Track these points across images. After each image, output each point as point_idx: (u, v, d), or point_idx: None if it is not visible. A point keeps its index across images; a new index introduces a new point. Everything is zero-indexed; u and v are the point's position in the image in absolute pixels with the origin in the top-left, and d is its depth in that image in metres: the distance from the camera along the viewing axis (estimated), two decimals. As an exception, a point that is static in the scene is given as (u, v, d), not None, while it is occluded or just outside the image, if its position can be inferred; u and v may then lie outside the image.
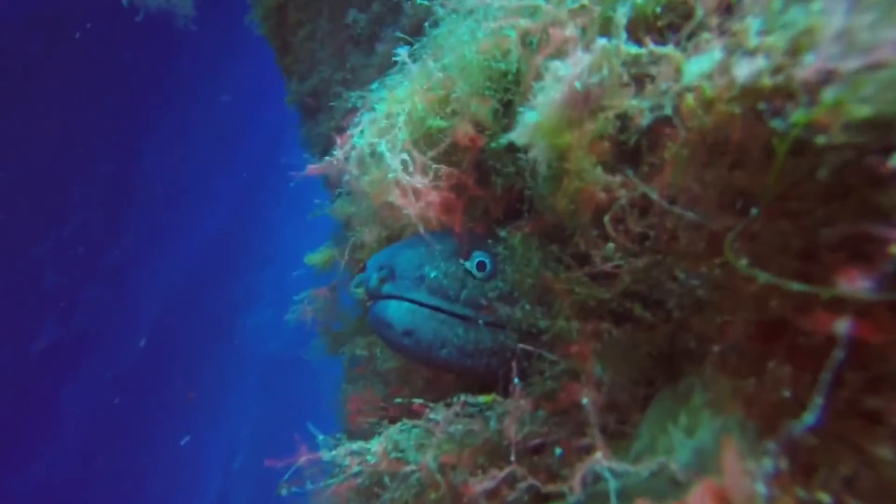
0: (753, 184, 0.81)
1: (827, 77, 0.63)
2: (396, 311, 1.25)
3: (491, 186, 1.62)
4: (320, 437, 1.68)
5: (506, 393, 1.15)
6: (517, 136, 1.02)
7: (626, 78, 0.89)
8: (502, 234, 1.35)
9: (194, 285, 18.46)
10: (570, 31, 1.04)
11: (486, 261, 1.24)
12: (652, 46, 0.84)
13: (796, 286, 0.64)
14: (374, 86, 1.84)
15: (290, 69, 3.93)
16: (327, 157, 1.71)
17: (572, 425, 1.02)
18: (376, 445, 1.21)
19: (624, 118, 0.93)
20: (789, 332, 0.76)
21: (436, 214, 1.54)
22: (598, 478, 0.86)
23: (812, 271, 0.72)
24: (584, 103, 0.91)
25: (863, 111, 0.60)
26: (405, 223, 1.68)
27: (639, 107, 0.85)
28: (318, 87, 3.58)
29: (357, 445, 1.27)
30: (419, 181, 1.52)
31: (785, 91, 0.68)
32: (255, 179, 20.68)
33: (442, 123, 1.59)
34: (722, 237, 0.82)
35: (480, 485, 0.98)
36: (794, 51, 0.68)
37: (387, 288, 1.29)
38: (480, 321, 1.19)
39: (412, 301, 1.25)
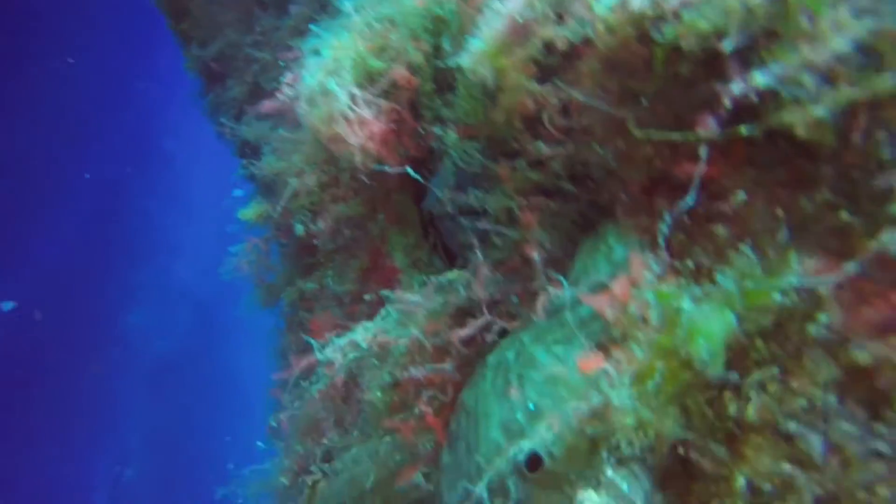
0: (640, 86, 1.19)
1: (685, 5, 1.01)
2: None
3: (423, 119, 1.92)
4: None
5: (462, 264, 1.47)
6: (465, 60, 1.33)
7: (549, 13, 1.23)
8: (436, 130, 1.63)
9: (58, 290, 16.81)
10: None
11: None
12: (568, -11, 1.18)
13: (675, 135, 1.02)
14: (313, 33, 2.06)
15: (189, 34, 3.90)
16: (280, 97, 1.92)
17: (523, 280, 1.38)
18: (363, 335, 1.49)
19: (547, 44, 1.27)
20: (667, 181, 1.16)
21: (375, 146, 1.82)
22: (551, 303, 1.22)
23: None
24: (521, 33, 1.24)
25: (705, 25, 0.98)
26: (348, 160, 1.93)
27: (561, 34, 1.20)
28: (225, 52, 3.62)
29: (344, 341, 1.53)
30: (365, 112, 1.79)
31: (660, 16, 1.05)
32: (125, 167, 19.01)
33: (382, 65, 1.86)
34: (622, 124, 1.20)
35: (463, 332, 1.31)
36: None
37: None
38: None
39: None
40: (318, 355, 1.59)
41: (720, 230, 1.00)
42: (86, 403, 17.23)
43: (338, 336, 1.61)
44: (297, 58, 1.95)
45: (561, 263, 1.37)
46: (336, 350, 1.54)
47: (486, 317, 1.31)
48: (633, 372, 0.88)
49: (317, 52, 1.96)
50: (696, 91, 1.09)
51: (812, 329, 0.79)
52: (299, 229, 2.44)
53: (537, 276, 1.28)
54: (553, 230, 1.36)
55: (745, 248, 0.88)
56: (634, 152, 1.17)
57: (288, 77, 1.91)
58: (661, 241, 0.99)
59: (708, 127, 0.97)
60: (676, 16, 1.03)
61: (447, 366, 1.38)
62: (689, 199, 0.94)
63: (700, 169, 0.95)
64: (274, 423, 1.81)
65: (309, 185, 2.41)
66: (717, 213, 1.02)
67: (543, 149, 1.33)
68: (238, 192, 3.39)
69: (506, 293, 1.37)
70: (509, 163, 1.39)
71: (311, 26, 1.97)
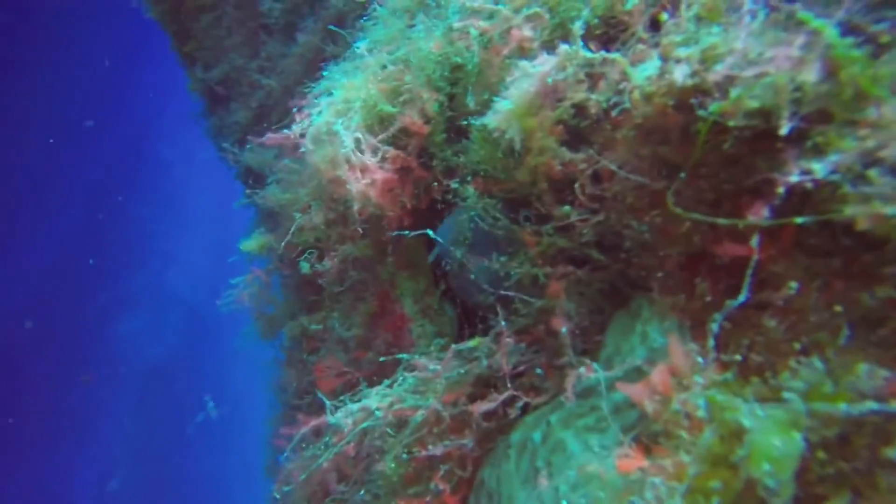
0: (675, 156, 1.13)
1: (730, 81, 0.94)
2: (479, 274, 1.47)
3: (432, 169, 1.86)
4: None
5: (482, 334, 1.40)
6: (492, 119, 1.26)
7: (581, 76, 1.17)
8: (454, 185, 1.56)
9: (48, 298, 16.63)
10: (528, 32, 1.31)
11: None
12: (603, 52, 1.12)
13: (722, 221, 0.96)
14: (326, 73, 2.00)
15: (193, 56, 3.84)
16: (284, 131, 1.86)
17: (547, 351, 1.31)
18: (377, 402, 1.40)
19: (578, 108, 1.21)
20: (706, 259, 1.09)
21: (375, 193, 1.75)
22: (580, 382, 1.14)
23: (719, 214, 1.05)
24: (552, 95, 1.18)
25: (754, 103, 0.92)
26: (349, 201, 1.87)
27: (596, 99, 1.14)
28: (230, 75, 3.55)
29: (357, 406, 1.45)
30: (368, 159, 1.73)
31: (703, 89, 0.99)
32: (118, 175, 18.89)
33: (392, 110, 1.80)
34: (658, 195, 1.13)
35: (484, 405, 1.23)
36: (705, 61, 0.99)
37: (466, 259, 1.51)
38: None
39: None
40: (329, 419, 1.51)
41: (770, 323, 0.93)
42: (71, 412, 17.00)
43: (350, 399, 1.53)
44: (308, 95, 1.89)
45: (589, 335, 1.30)
46: (348, 415, 1.46)
47: (509, 390, 1.24)
48: (686, 487, 0.81)
49: (328, 92, 1.90)
50: (740, 168, 1.03)
51: (893, 453, 0.72)
52: (304, 267, 2.36)
53: (565, 351, 1.20)
54: (580, 300, 1.30)
55: (815, 360, 0.81)
56: (671, 227, 1.11)
57: (297, 114, 1.85)
58: (710, 342, 0.92)
59: (759, 214, 0.90)
60: (721, 90, 0.97)
61: (466, 440, 1.30)
62: (742, 296, 0.87)
63: (754, 260, 0.88)
64: (277, 496, 1.72)
65: (315, 221, 2.34)
66: (766, 302, 0.95)
67: (572, 214, 1.26)
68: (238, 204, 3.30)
69: (530, 365, 1.30)
70: (534, 227, 1.32)
71: (324, 66, 1.92)
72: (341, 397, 1.57)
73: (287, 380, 2.96)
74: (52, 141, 15.66)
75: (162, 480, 17.99)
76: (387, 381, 1.58)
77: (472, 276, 1.39)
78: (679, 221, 1.09)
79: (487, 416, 1.29)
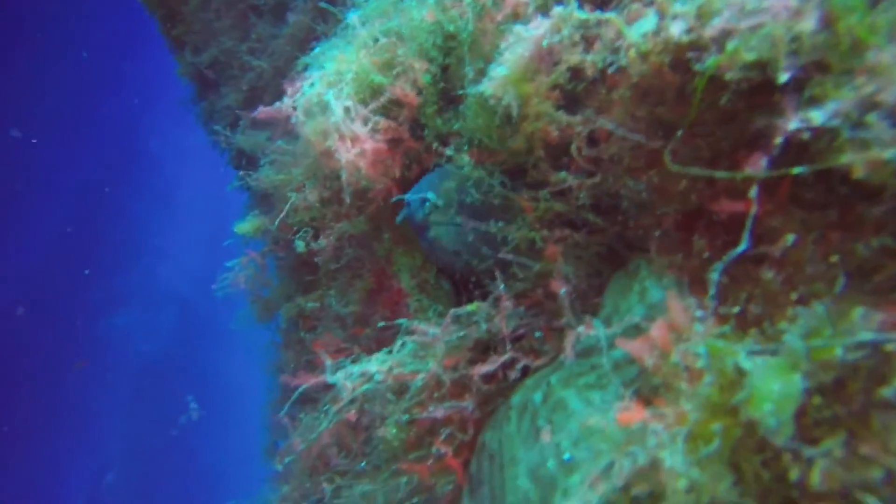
0: (672, 115, 1.13)
1: (727, 34, 0.95)
2: (445, 235, 1.47)
3: (423, 140, 1.85)
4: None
5: (481, 298, 1.41)
6: (488, 86, 1.26)
7: (576, 38, 1.17)
8: (448, 151, 1.55)
9: (40, 293, 16.52)
10: (522, -2, 1.31)
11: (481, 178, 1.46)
12: (598, 13, 1.12)
13: (720, 174, 0.97)
14: (318, 48, 1.99)
15: (181, 40, 3.79)
16: (277, 104, 1.84)
17: (546, 314, 1.32)
18: (377, 366, 1.41)
19: (574, 71, 1.21)
20: (704, 216, 1.10)
21: (365, 163, 1.75)
22: (580, 342, 1.15)
23: (716, 170, 1.06)
24: (547, 59, 1.17)
25: (750, 56, 0.92)
26: (341, 175, 1.86)
27: (591, 61, 1.14)
28: (219, 58, 3.52)
29: (357, 369, 1.45)
30: (359, 128, 1.72)
31: (700, 45, 0.99)
32: (109, 169, 18.73)
33: (384, 80, 1.79)
34: (654, 154, 1.14)
35: (484, 368, 1.24)
36: (702, 16, 1.00)
37: (432, 217, 1.49)
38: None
39: (453, 224, 1.46)
40: (329, 377, 1.51)
41: (768, 275, 0.94)
42: (66, 408, 16.97)
43: (350, 361, 1.53)
44: (300, 72, 1.88)
45: (587, 298, 1.31)
46: (348, 377, 1.46)
47: (508, 353, 1.25)
48: (687, 432, 0.82)
49: (320, 64, 1.89)
50: (737, 124, 1.03)
51: (888, 392, 0.73)
52: (300, 246, 2.36)
53: (564, 312, 1.21)
54: (578, 263, 1.30)
55: (816, 306, 0.82)
56: (668, 185, 1.12)
57: (288, 87, 1.83)
58: (711, 291, 0.93)
59: (757, 165, 0.91)
60: (718, 44, 0.97)
61: (467, 403, 1.31)
62: (743, 245, 0.88)
63: (753, 211, 0.89)
64: (279, 468, 1.72)
65: (310, 200, 2.33)
66: (763, 256, 0.96)
67: (568, 179, 1.27)
68: (231, 187, 3.29)
69: (529, 328, 1.31)
70: (531, 192, 1.32)
71: (316, 40, 1.90)
72: (341, 360, 1.57)
73: (285, 361, 2.96)
74: (34, 141, 15.45)
75: (158, 474, 18.03)
76: (386, 349, 1.59)
77: (469, 239, 1.40)
78: (676, 179, 1.10)
79: (487, 378, 1.30)
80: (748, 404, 0.76)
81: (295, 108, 1.82)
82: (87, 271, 16.94)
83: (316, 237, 2.32)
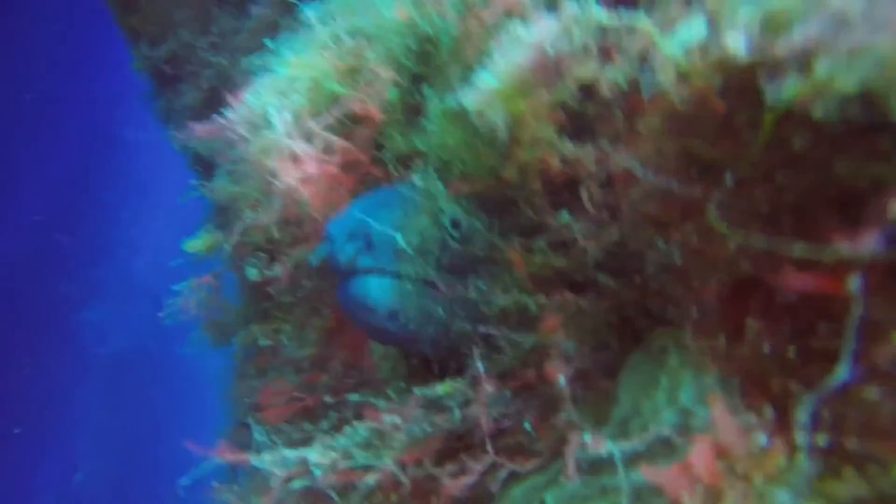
0: (714, 153, 0.84)
1: (813, 52, 0.66)
2: (379, 291, 1.08)
3: (386, 165, 1.54)
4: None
5: (455, 373, 1.10)
6: (470, 99, 0.96)
7: (591, 46, 0.88)
8: (416, 180, 1.20)
9: (6, 287, 15.95)
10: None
11: (460, 219, 1.07)
12: (623, 14, 0.83)
13: (798, 249, 0.68)
14: (272, 48, 1.68)
15: (138, 30, 3.44)
16: (216, 118, 1.53)
17: (540, 400, 1.02)
18: (319, 456, 1.10)
19: (585, 89, 0.92)
20: (760, 291, 0.81)
21: (310, 191, 1.44)
22: (586, 454, 0.86)
23: (778, 231, 0.77)
24: (553, 70, 0.88)
25: (850, 83, 0.64)
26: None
27: (610, 77, 0.84)
28: (178, 53, 3.17)
29: (294, 455, 1.14)
30: (301, 147, 1.41)
31: (768, 64, 0.70)
32: (81, 159, 18.17)
33: (341, 90, 1.48)
34: (692, 206, 0.85)
35: (460, 481, 0.94)
36: (772, 25, 0.71)
37: (364, 262, 1.10)
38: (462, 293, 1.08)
39: (396, 275, 1.08)
40: (256, 462, 1.19)
41: (870, 394, 0.66)
42: (33, 404, 16.42)
43: (287, 445, 1.22)
44: (248, 74, 1.57)
45: (591, 380, 1.01)
46: (279, 465, 1.15)
47: (489, 456, 0.95)
48: None
49: (270, 68, 1.58)
50: (813, 173, 0.75)
51: None
52: (252, 273, 2.05)
53: (563, 406, 0.92)
54: (581, 334, 1.01)
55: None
56: (711, 248, 0.83)
57: (231, 97, 1.52)
58: (801, 439, 0.64)
59: (861, 246, 0.62)
60: (797, 66, 0.69)
61: (434, 516, 1.01)
62: (843, 373, 0.59)
63: (855, 315, 0.60)
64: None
65: (264, 221, 2.02)
66: (865, 364, 0.67)
67: (574, 228, 0.97)
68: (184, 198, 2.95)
69: (517, 418, 1.01)
70: (522, 241, 1.03)
71: (267, 40, 1.59)
72: (277, 435, 1.26)
73: (239, 393, 2.64)
74: (12, 122, 14.91)
75: (131, 473, 17.53)
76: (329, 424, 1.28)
77: (423, 301, 1.08)
78: (721, 241, 0.81)
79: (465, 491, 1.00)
80: None
81: (237, 123, 1.51)
82: (59, 260, 16.41)
83: (270, 266, 2.01)
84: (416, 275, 1.06)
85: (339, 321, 1.84)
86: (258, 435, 1.21)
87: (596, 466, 0.86)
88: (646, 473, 0.73)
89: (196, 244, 2.55)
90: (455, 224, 1.10)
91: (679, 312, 0.88)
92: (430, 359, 1.12)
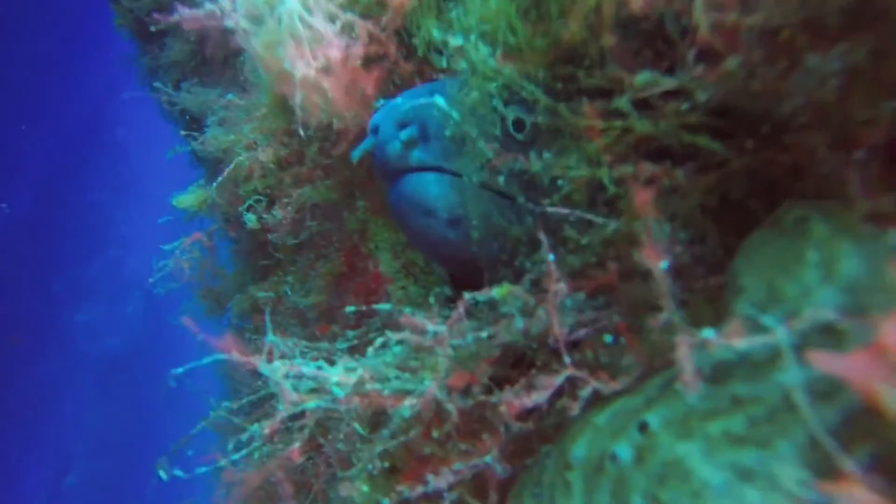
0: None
1: None
2: (439, 189, 0.88)
3: (414, 58, 1.30)
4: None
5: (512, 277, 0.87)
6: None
7: None
8: (453, 41, 0.98)
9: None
10: None
11: (524, 117, 0.85)
12: None
13: None
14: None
15: (118, -20, 3.19)
16: (207, 4, 1.28)
17: (624, 304, 0.79)
18: (340, 373, 0.87)
19: None
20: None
21: (332, 84, 1.19)
22: (703, 357, 0.63)
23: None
24: None
25: None
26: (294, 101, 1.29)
27: None
28: (162, 2, 2.92)
29: (310, 369, 0.90)
30: (321, 25, 1.16)
31: None
32: (70, 158, 17.93)
33: None
34: (849, 17, 0.62)
35: (525, 399, 0.71)
36: None
37: (417, 155, 0.90)
38: (522, 200, 0.85)
39: (455, 173, 0.87)
40: (262, 366, 0.94)
41: None
42: (23, 404, 16.21)
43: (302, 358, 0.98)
44: None
45: (689, 275, 0.79)
46: (293, 377, 0.90)
47: (566, 369, 0.72)
48: None
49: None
50: None
51: None
52: (250, 220, 1.82)
53: (664, 303, 0.69)
54: (675, 219, 0.79)
55: None
56: (880, 71, 0.60)
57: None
58: None
59: None
60: None
61: (487, 456, 0.78)
62: None
63: None
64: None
65: (263, 160, 1.79)
66: None
67: (661, 81, 0.74)
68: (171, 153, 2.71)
69: (595, 328, 0.78)
70: (598, 103, 0.80)
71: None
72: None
73: (232, 366, 2.40)
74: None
75: (122, 474, 17.28)
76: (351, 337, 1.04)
77: (485, 197, 0.85)
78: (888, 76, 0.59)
79: (524, 412, 0.77)
80: None
81: (234, 10, 1.27)
82: (49, 259, 16.20)
83: (271, 209, 1.78)
84: (480, 173, 0.84)
85: (349, 264, 1.60)
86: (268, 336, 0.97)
87: (721, 370, 0.64)
88: (821, 362, 0.51)
89: (186, 199, 2.30)
90: (518, 125, 0.87)
91: (823, 175, 0.66)
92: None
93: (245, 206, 1.86)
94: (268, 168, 1.79)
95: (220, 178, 1.78)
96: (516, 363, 0.83)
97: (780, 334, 0.53)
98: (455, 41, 0.88)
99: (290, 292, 1.72)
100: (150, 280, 2.51)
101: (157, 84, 2.81)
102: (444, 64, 0.99)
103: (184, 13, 1.28)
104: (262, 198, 1.84)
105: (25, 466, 16.89)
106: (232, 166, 1.77)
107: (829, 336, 0.58)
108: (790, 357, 0.52)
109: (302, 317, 1.66)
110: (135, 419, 17.87)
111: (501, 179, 0.84)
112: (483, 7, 0.92)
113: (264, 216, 1.79)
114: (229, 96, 2.06)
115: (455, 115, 0.82)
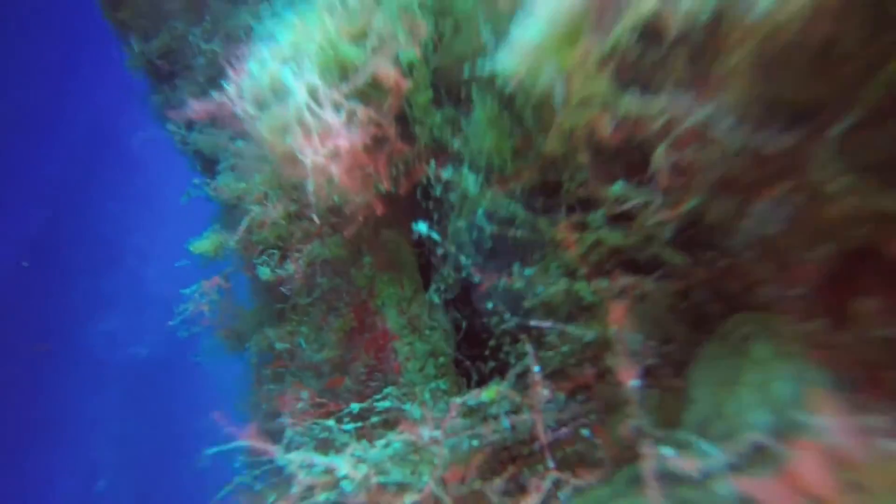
0: (806, 92, 0.69)
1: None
2: None
3: (415, 141, 1.39)
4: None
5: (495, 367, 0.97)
6: (507, 60, 0.81)
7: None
8: (445, 175, 1.10)
9: (14, 300, 16.01)
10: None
11: (497, 208, 0.99)
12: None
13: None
14: (270, 15, 1.53)
15: (129, 25, 3.30)
16: (215, 95, 1.37)
17: (600, 403, 0.88)
18: (349, 467, 0.96)
19: (646, 28, 0.77)
20: (874, 264, 0.66)
21: (340, 169, 1.28)
22: (661, 464, 0.72)
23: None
24: (608, 7, 0.73)
25: None
26: (307, 187, 1.39)
27: (686, 9, 0.69)
28: (172, 46, 3.03)
29: (323, 462, 1.00)
30: (330, 117, 1.25)
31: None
32: (84, 168, 18.15)
33: (358, 53, 1.33)
34: (785, 162, 0.70)
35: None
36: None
37: None
38: None
39: None
40: (279, 457, 1.04)
41: None
42: (53, 413, 16.57)
43: (315, 440, 1.08)
44: (246, 45, 1.42)
45: (656, 374, 0.87)
46: (306, 468, 1.00)
47: (551, 474, 0.81)
48: None
49: (271, 35, 1.43)
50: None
51: None
52: (264, 273, 1.92)
53: (631, 411, 0.77)
54: (644, 323, 0.86)
55: None
56: (814, 212, 0.68)
57: (231, 69, 1.37)
58: None
59: None
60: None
61: (483, 539, 0.87)
62: None
63: None
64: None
65: (273, 215, 1.89)
66: None
67: (632, 194, 0.82)
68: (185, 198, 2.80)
69: (575, 423, 0.87)
70: (573, 218, 0.88)
71: (265, 5, 1.44)
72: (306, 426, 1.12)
73: (257, 400, 2.52)
74: (15, 131, 14.94)
75: (152, 479, 17.64)
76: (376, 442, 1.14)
77: (489, 305, 0.95)
78: (828, 204, 0.66)
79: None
80: None
81: (242, 98, 1.36)
82: (68, 271, 16.49)
83: (282, 263, 1.88)
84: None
85: (359, 319, 1.70)
86: (287, 431, 1.07)
87: (671, 478, 0.72)
88: (742, 486, 0.59)
89: (202, 245, 2.41)
90: (490, 215, 0.97)
91: (768, 294, 0.74)
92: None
93: (258, 258, 1.96)
94: (278, 222, 1.89)
95: (235, 237, 1.88)
96: (506, 450, 0.92)
97: (717, 459, 0.61)
98: (448, 174, 0.97)
99: (304, 344, 1.82)
100: (170, 324, 2.62)
101: (169, 125, 2.92)
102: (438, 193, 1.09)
103: (196, 105, 1.38)
104: (274, 251, 1.94)
105: (57, 473, 17.29)
106: (246, 223, 1.87)
107: (764, 458, 0.66)
108: (723, 478, 0.60)
109: (317, 369, 1.76)
110: (160, 425, 18.18)
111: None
112: (480, 141, 1.01)
113: (277, 270, 1.89)
114: (238, 143, 2.16)
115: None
